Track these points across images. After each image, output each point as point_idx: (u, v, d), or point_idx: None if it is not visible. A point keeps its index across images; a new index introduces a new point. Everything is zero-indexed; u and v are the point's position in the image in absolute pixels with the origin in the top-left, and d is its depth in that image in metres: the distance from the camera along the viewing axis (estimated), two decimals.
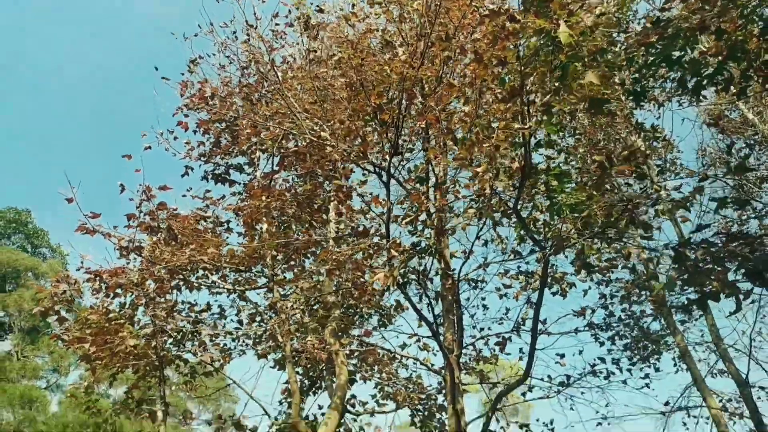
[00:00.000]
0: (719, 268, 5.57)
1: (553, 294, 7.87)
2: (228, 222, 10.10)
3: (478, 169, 5.05)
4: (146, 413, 9.69)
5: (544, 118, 5.13)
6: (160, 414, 9.49)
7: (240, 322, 10.33)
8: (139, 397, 10.12)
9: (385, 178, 6.44)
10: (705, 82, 6.26)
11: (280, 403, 10.59)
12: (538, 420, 9.11)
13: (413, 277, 6.25)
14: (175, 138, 9.81)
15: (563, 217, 6.27)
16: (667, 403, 10.17)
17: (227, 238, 10.10)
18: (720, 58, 6.15)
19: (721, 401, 10.97)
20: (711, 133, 13.93)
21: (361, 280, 6.70)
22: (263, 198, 8.72)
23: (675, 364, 11.73)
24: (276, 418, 10.00)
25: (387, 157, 6.38)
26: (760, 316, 13.30)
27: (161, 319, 9.28)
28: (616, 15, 12.03)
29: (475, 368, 9.55)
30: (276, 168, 9.49)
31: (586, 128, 11.43)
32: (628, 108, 9.67)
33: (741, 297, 5.49)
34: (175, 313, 9.57)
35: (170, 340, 9.79)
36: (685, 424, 10.96)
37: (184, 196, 9.40)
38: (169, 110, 10.61)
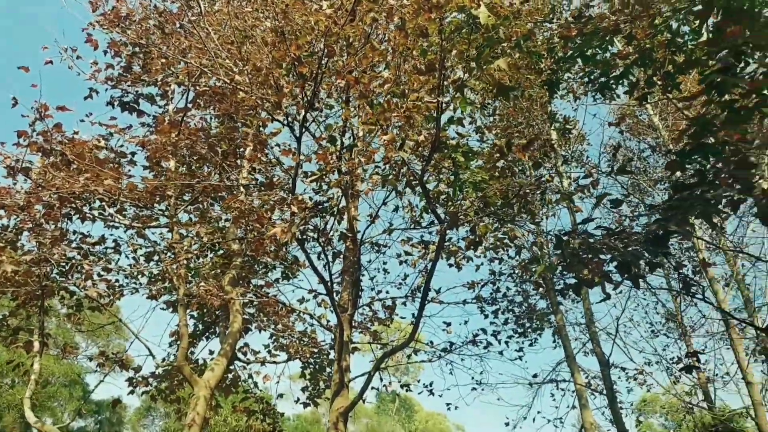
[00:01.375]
0: (595, 258, 6.06)
1: (450, 266, 8.21)
2: (133, 154, 9.57)
3: (386, 137, 5.09)
4: (21, 343, 9.22)
5: (457, 95, 5.22)
6: (36, 345, 9.06)
7: (135, 259, 9.96)
8: (15, 325, 9.59)
9: (297, 132, 6.34)
10: (612, 82, 6.63)
11: (170, 345, 10.43)
12: (419, 381, 9.60)
13: (313, 235, 6.27)
14: (78, 57, 9.04)
15: (465, 194, 6.50)
16: (535, 375, 11.06)
17: (130, 171, 9.59)
18: (628, 61, 6.51)
19: (586, 377, 12.08)
20: (620, 131, 14.77)
21: (261, 231, 6.63)
22: (173, 134, 8.33)
23: (554, 341, 12.74)
24: (163, 360, 9.86)
25: (302, 110, 6.26)
26: (632, 305, 14.60)
27: (47, 247, 8.75)
28: (551, 2, 12.33)
29: (369, 328, 9.86)
30: (189, 105, 9.05)
31: (505, 111, 11.79)
32: (546, 97, 10.04)
33: (612, 286, 6.00)
34: (63, 243, 9.04)
35: (56, 270, 9.29)
36: (552, 395, 12.00)
37: (82, 121, 8.75)
38: (79, 25, 9.74)
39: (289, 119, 6.62)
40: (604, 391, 10.15)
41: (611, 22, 6.24)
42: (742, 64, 4.83)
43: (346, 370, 7.36)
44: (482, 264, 8.04)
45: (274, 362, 9.88)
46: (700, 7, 4.80)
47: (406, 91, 5.25)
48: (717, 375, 13.79)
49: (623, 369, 12.82)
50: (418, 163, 6.78)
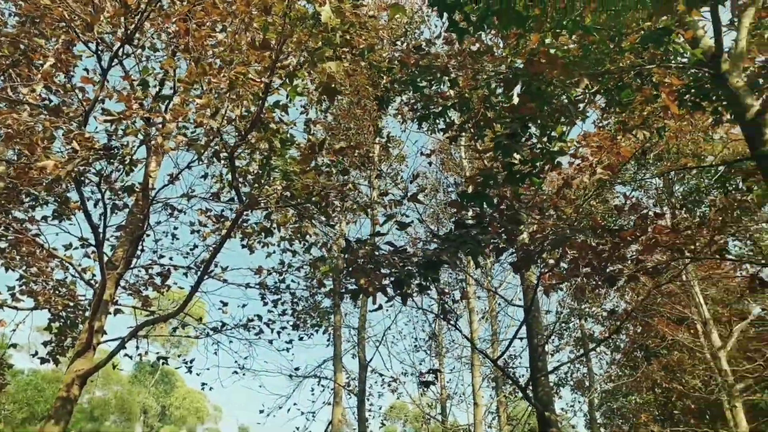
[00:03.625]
0: (376, 270, 6.49)
1: (243, 246, 8.07)
2: None
3: (201, 101, 4.84)
4: None
5: (287, 81, 5.19)
6: None
7: None
8: None
9: (106, 64, 5.67)
10: (430, 117, 7.21)
11: None
12: (179, 356, 9.22)
13: (95, 179, 5.66)
14: None
15: (272, 180, 6.46)
16: (297, 369, 11.42)
17: None
18: (448, 102, 7.14)
19: (347, 378, 12.83)
20: (429, 162, 16.06)
21: (32, 159, 5.77)
22: None
23: (328, 339, 13.29)
24: None
25: (118, 42, 5.63)
26: (404, 319, 15.83)
27: None
28: (405, 27, 12.97)
29: (141, 292, 9.19)
30: None
31: (339, 112, 12.05)
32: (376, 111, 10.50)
33: (386, 299, 6.46)
34: None
35: None
36: (313, 390, 12.48)
37: None
38: None
39: (101, 47, 5.91)
40: (356, 391, 10.84)
41: (443, 64, 6.79)
42: (528, 135, 5.62)
43: (97, 331, 6.75)
44: (274, 252, 8.06)
45: (16, 308, 8.65)
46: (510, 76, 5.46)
47: (235, 60, 5.05)
48: (456, 393, 15.70)
49: (381, 375, 13.89)
50: (234, 137, 6.57)
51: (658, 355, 15.21)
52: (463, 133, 7.98)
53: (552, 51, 5.39)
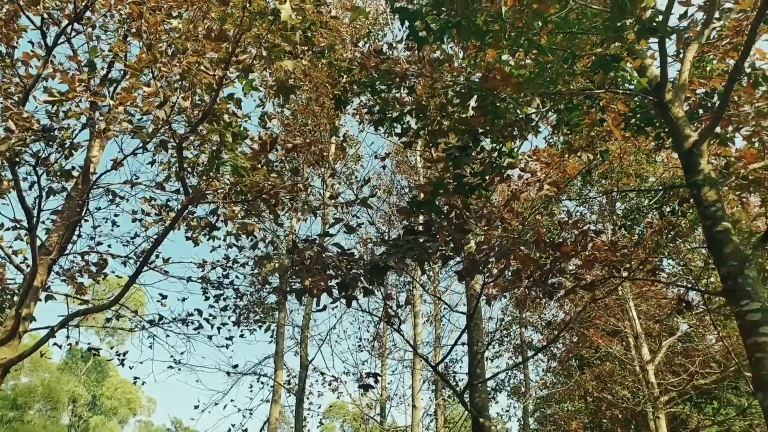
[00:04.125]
0: (322, 271, 6.46)
1: (187, 239, 7.85)
2: None
3: (148, 89, 4.68)
4: None
5: (242, 75, 5.09)
6: None
7: None
8: None
9: (51, 41, 5.40)
10: (386, 121, 7.24)
11: None
12: (113, 347, 8.91)
13: (32, 160, 5.37)
14: None
15: (221, 174, 6.33)
16: (236, 366, 11.25)
17: None
18: (405, 109, 7.19)
19: (288, 376, 12.71)
20: (383, 166, 16.11)
21: None
22: None
23: (271, 336, 13.12)
24: None
25: (66, 20, 5.38)
26: (350, 318, 15.86)
27: None
28: (369, 28, 12.96)
29: (76, 279, 8.81)
30: None
31: (297, 108, 11.93)
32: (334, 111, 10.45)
33: (331, 300, 6.45)
34: None
35: None
36: (251, 387, 12.31)
37: None
38: None
39: (47, 22, 5.62)
40: (295, 389, 10.76)
41: (402, 70, 6.83)
42: (479, 149, 5.73)
43: (25, 318, 6.43)
44: (220, 246, 7.87)
45: None
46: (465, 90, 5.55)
47: (189, 49, 4.91)
48: (396, 395, 15.83)
49: (322, 374, 13.83)
50: (184, 126, 6.39)
51: (591, 365, 15.81)
52: (419, 140, 8.05)
53: (507, 68, 5.52)
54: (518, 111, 5.31)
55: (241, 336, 9.48)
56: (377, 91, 7.39)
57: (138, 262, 8.38)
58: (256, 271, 8.36)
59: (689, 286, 8.55)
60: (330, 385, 14.04)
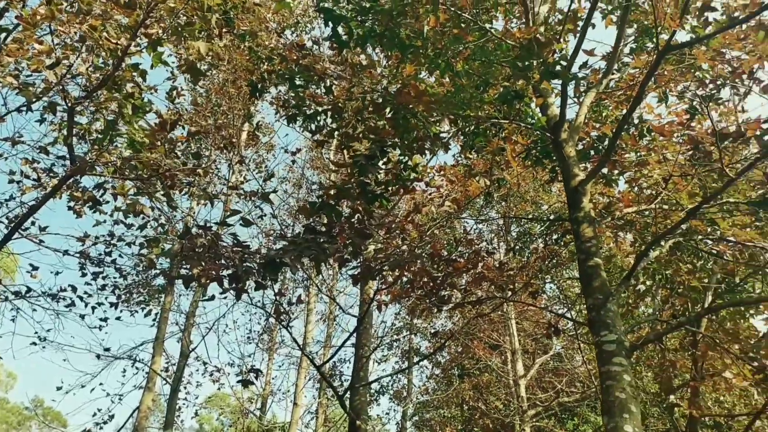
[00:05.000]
0: (215, 260, 6.27)
1: (69, 209, 7.29)
2: None
3: (40, 46, 4.30)
4: None
5: (150, 46, 4.82)
6: None
7: None
8: None
9: None
10: (300, 117, 7.17)
11: None
12: None
13: None
14: None
15: (117, 145, 5.96)
16: (108, 349, 10.61)
17: None
18: (320, 108, 7.16)
19: (167, 363, 12.17)
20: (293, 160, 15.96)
21: None
22: None
23: (153, 320, 12.49)
24: None
25: None
26: (242, 309, 15.52)
27: None
28: (297, 18, 12.76)
29: None
30: None
31: (212, 88, 11.49)
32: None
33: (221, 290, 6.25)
34: None
35: None
36: (124, 371, 11.65)
37: None
38: None
39: None
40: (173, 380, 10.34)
41: (322, 68, 6.80)
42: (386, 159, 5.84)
43: None
44: (105, 222, 7.38)
45: None
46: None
47: (95, 10, 4.57)
48: (280, 390, 15.69)
49: (205, 363, 13.38)
50: (79, 89, 5.94)
51: (471, 375, 16.58)
52: (332, 140, 8.05)
53: (423, 86, 5.67)
54: (427, 129, 5.47)
55: (118, 318, 8.94)
56: (295, 85, 7.30)
57: (9, 228, 7.66)
58: (143, 251, 7.92)
59: (561, 312, 9.29)
60: (211, 375, 13.62)
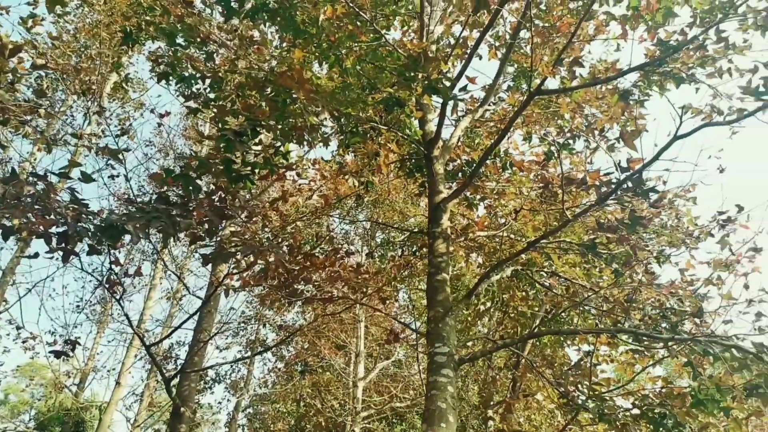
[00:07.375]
0: (42, 214, 5.58)
1: None
2: None
3: None
4: None
5: None
6: None
7: None
8: None
9: None
10: (173, 77, 6.67)
11: None
12: None
13: None
14: None
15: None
16: None
17: None
18: (197, 74, 6.72)
19: None
20: (159, 124, 14.90)
21: None
22: None
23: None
24: None
25: None
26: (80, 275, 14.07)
27: None
28: None
29: None
30: None
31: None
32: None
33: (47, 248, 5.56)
34: None
35: None
36: None
37: None
38: None
39: None
40: None
41: (206, 32, 6.39)
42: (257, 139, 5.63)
43: None
44: None
45: None
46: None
47: None
48: (104, 367, 14.43)
49: (18, 328, 11.90)
50: None
51: (313, 373, 16.58)
52: (207, 110, 7.61)
53: (309, 75, 5.56)
54: (306, 118, 5.36)
55: None
56: (174, 42, 6.79)
57: None
58: None
59: (408, 322, 9.68)
60: (24, 342, 12.16)
